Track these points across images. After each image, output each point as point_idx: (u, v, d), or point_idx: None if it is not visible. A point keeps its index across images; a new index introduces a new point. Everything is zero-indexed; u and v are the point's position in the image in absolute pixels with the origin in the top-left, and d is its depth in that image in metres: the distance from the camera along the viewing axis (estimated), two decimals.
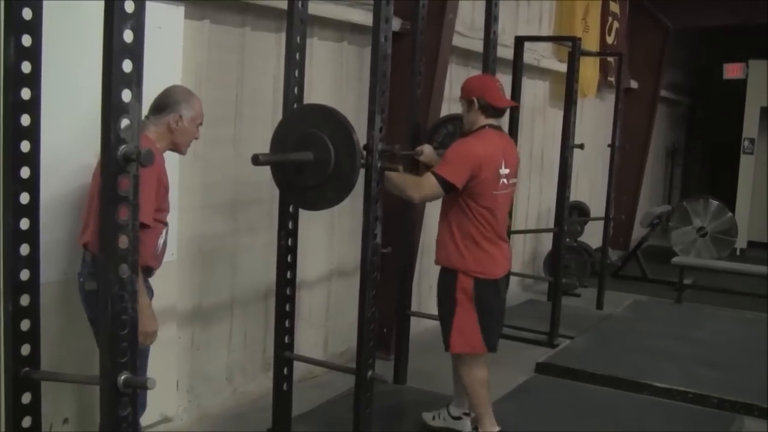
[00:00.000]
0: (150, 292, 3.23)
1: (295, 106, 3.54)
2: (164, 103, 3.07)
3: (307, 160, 3.24)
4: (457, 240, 3.67)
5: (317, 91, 4.65)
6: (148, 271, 3.09)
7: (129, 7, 1.81)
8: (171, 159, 3.43)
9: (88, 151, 3.07)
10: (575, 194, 7.89)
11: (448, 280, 3.76)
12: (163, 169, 3.02)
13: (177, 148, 3.18)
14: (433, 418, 4.12)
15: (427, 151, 4.16)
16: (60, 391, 3.30)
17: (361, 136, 3.23)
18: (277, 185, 3.54)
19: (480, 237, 3.67)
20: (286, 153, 3.32)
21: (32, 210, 2.16)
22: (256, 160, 3.09)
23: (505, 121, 6.31)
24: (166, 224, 3.14)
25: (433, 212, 5.58)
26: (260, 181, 4.40)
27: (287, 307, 3.67)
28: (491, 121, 3.79)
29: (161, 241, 3.13)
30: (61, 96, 2.92)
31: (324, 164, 3.21)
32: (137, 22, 1.85)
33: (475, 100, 3.75)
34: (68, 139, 3.13)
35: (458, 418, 4.11)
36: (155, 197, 2.94)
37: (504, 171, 3.69)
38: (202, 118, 3.18)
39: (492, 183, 3.65)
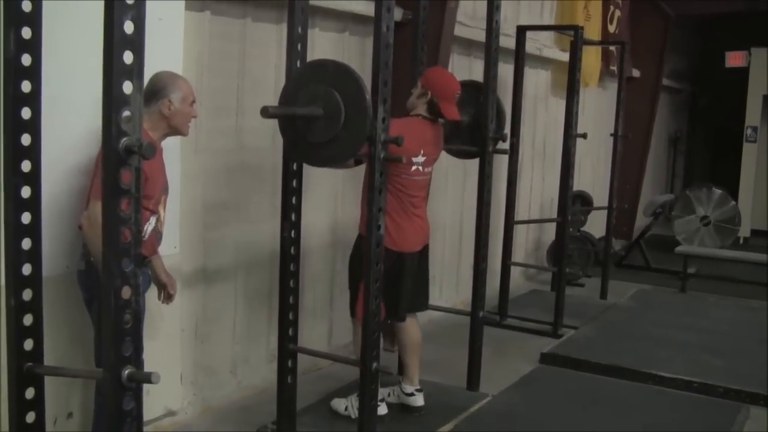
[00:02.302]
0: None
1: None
2: (151, 92, 3.06)
3: (316, 115, 3.23)
4: None
5: None
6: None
7: None
8: (172, 151, 3.42)
9: (91, 144, 3.06)
10: (578, 184, 7.84)
11: (360, 246, 3.82)
12: None
13: (177, 131, 3.19)
14: (345, 408, 4.11)
15: None
16: (64, 385, 3.30)
17: None
18: (284, 143, 3.55)
19: (393, 209, 3.82)
20: (294, 107, 3.30)
21: (34, 204, 2.15)
22: (266, 112, 3.12)
23: (507, 112, 6.29)
24: (152, 211, 3.12)
25: (434, 206, 5.58)
26: (263, 172, 4.39)
27: (291, 299, 3.66)
28: (428, 114, 4.03)
29: (148, 227, 3.12)
30: (62, 89, 2.90)
31: (334, 120, 3.20)
32: (138, 13, 1.84)
33: (430, 95, 3.99)
34: (70, 133, 3.11)
35: (411, 395, 4.22)
36: None
37: (419, 159, 3.93)
38: (194, 96, 3.19)
39: (405, 167, 3.83)
